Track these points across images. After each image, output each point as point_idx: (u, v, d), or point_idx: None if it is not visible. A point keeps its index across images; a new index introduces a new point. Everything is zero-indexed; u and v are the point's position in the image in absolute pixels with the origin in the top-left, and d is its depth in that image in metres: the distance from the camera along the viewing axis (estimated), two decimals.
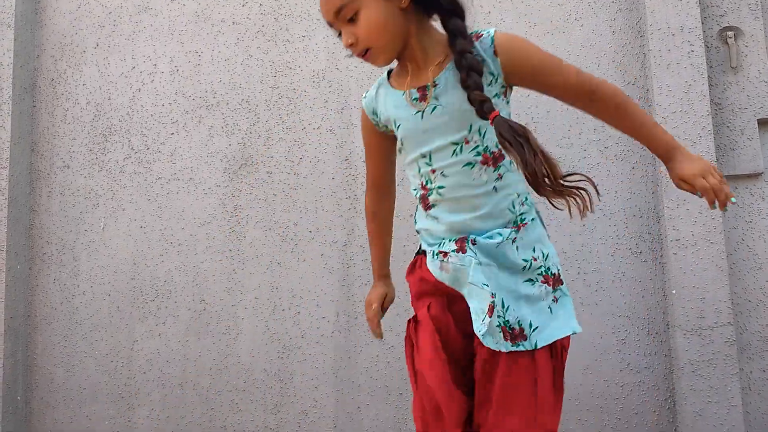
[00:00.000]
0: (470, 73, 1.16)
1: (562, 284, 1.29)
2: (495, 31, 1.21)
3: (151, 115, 2.69)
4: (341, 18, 1.20)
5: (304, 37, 2.57)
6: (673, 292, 2.11)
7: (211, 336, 2.52)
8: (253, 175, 2.55)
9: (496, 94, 1.21)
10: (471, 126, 1.20)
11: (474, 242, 1.23)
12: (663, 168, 2.15)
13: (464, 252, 1.23)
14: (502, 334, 1.19)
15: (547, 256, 1.28)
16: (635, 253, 2.24)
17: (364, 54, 1.22)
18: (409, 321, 1.38)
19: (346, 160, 2.48)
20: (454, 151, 1.21)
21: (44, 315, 2.70)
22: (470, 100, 1.16)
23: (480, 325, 1.18)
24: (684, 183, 1.24)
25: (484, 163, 1.21)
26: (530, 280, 1.24)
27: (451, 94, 1.20)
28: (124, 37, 2.76)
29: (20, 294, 2.69)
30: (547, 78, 1.23)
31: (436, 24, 1.27)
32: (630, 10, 2.33)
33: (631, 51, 2.32)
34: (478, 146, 1.21)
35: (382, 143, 1.40)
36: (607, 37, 2.34)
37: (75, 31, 2.82)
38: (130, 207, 2.66)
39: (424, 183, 1.28)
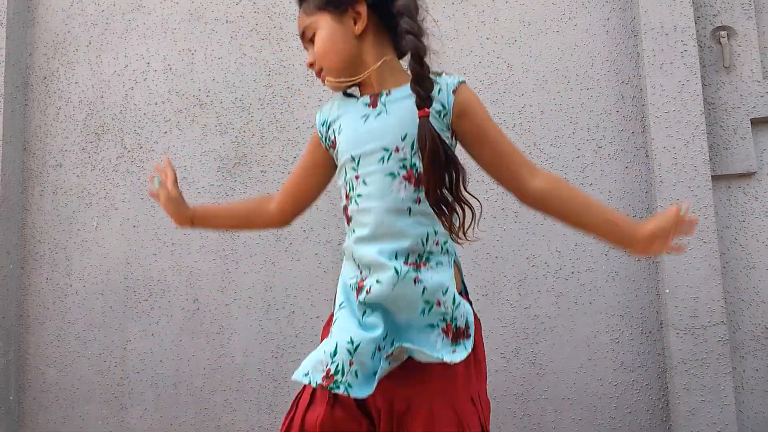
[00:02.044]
0: (425, 69, 1.17)
1: (468, 338, 1.16)
2: (464, 82, 1.23)
3: (144, 114, 2.68)
4: (306, 40, 1.26)
5: (297, 35, 2.56)
6: (667, 291, 2.12)
7: (204, 335, 2.51)
8: (246, 174, 2.55)
9: (441, 129, 1.18)
10: (405, 136, 1.17)
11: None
12: (657, 167, 2.16)
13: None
14: None
15: (458, 305, 1.17)
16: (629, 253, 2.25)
17: (320, 73, 1.25)
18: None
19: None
20: (382, 157, 1.17)
21: (36, 314, 2.69)
22: (417, 82, 1.15)
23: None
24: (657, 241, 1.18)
25: (406, 178, 1.17)
26: (431, 325, 1.16)
27: (398, 106, 1.19)
28: (116, 35, 2.75)
29: (12, 293, 2.68)
30: (488, 135, 1.21)
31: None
32: (624, 9, 2.34)
33: (624, 51, 2.32)
34: (405, 159, 1.17)
35: (326, 161, 1.30)
36: (601, 37, 2.34)
37: (68, 29, 2.81)
38: (123, 206, 2.65)
39: (348, 191, 1.22)
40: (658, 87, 2.18)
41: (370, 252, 1.16)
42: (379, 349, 1.13)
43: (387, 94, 1.21)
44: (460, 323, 1.16)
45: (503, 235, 2.33)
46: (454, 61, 2.43)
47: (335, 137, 1.24)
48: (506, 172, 1.21)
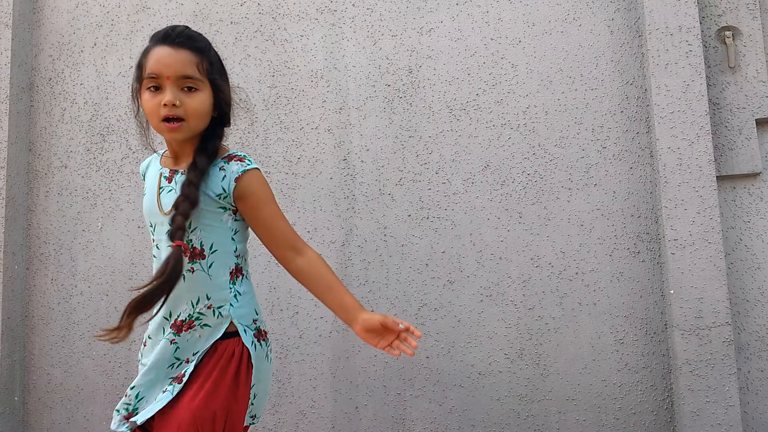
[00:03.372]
0: (185, 198, 1.33)
1: (179, 383, 1.37)
2: (252, 169, 1.39)
3: None
4: (181, 83, 1.34)
5: (302, 36, 2.57)
6: (671, 292, 2.11)
7: None
8: None
9: (222, 207, 1.39)
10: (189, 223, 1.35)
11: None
12: (662, 168, 2.15)
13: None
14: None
15: (194, 359, 1.39)
16: (633, 253, 2.24)
17: (176, 121, 1.34)
18: None
19: (344, 160, 2.48)
20: (168, 230, 1.33)
21: (42, 315, 2.70)
22: (172, 219, 1.32)
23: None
24: (372, 333, 1.36)
25: (184, 252, 1.34)
26: (171, 378, 1.39)
27: None
28: (121, 37, 2.76)
29: (18, 294, 2.69)
30: (259, 217, 1.41)
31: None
32: (628, 9, 2.33)
33: (629, 51, 2.32)
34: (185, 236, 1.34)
35: None
36: (606, 37, 2.34)
37: (73, 30, 2.82)
38: (127, 207, 2.65)
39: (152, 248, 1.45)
40: (663, 87, 2.18)
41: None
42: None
43: (181, 174, 1.38)
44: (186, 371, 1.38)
45: (507, 236, 2.33)
46: (458, 61, 2.43)
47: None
48: (275, 249, 1.42)
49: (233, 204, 1.38)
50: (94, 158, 2.72)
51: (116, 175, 2.69)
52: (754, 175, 2.18)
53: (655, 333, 2.21)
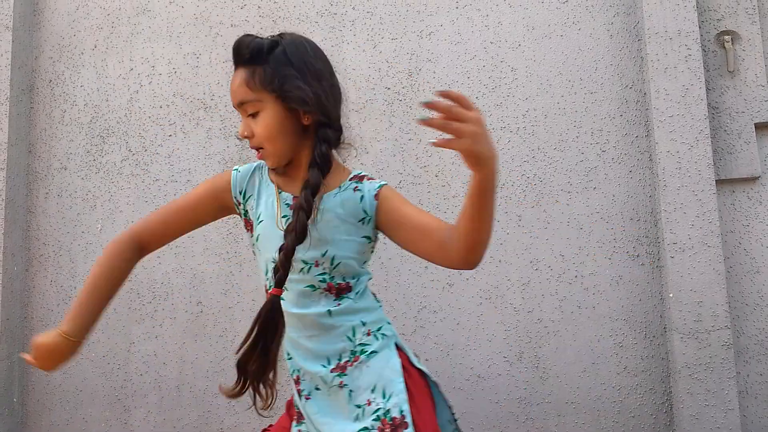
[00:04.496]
0: (292, 230, 1.12)
1: (406, 428, 1.12)
2: (386, 184, 1.24)
3: (149, 117, 2.69)
4: (243, 110, 1.21)
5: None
6: (671, 295, 2.12)
7: (208, 338, 2.51)
8: None
9: (367, 237, 1.22)
10: (326, 252, 1.18)
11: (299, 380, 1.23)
12: (661, 171, 2.16)
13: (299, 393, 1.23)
14: None
15: (390, 396, 1.15)
16: (633, 257, 2.25)
17: (258, 150, 1.23)
18: None
19: (344, 162, 2.48)
20: (302, 269, 1.18)
21: (41, 317, 2.70)
22: (277, 263, 1.13)
23: None
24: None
25: (327, 290, 1.20)
26: (365, 428, 1.13)
27: (325, 217, 1.19)
28: (122, 39, 2.76)
29: (17, 296, 2.68)
30: (405, 215, 1.21)
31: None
32: (627, 14, 2.34)
33: (628, 55, 2.32)
34: (325, 273, 1.19)
35: (210, 214, 1.30)
36: (605, 41, 2.34)
37: (73, 32, 2.82)
38: (127, 209, 2.66)
39: (267, 286, 1.23)
40: (662, 91, 2.18)
41: (297, 355, 1.24)
42: None
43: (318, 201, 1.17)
44: (395, 414, 1.14)
45: (506, 239, 2.33)
46: (458, 65, 2.43)
47: (251, 219, 1.25)
48: (430, 244, 1.20)
49: (375, 228, 1.23)
50: (94, 160, 2.72)
51: (116, 177, 2.69)
52: (753, 179, 2.19)
53: (654, 336, 2.21)
